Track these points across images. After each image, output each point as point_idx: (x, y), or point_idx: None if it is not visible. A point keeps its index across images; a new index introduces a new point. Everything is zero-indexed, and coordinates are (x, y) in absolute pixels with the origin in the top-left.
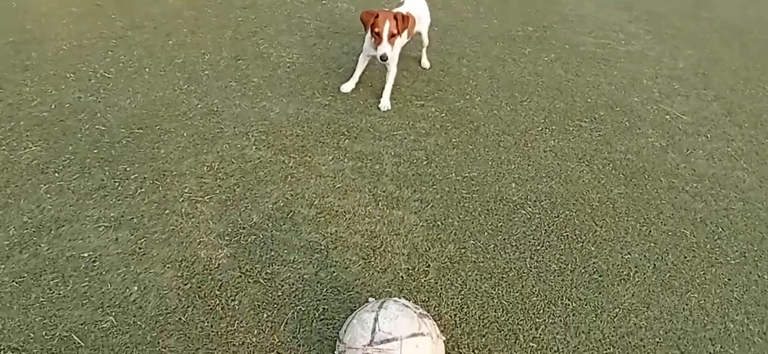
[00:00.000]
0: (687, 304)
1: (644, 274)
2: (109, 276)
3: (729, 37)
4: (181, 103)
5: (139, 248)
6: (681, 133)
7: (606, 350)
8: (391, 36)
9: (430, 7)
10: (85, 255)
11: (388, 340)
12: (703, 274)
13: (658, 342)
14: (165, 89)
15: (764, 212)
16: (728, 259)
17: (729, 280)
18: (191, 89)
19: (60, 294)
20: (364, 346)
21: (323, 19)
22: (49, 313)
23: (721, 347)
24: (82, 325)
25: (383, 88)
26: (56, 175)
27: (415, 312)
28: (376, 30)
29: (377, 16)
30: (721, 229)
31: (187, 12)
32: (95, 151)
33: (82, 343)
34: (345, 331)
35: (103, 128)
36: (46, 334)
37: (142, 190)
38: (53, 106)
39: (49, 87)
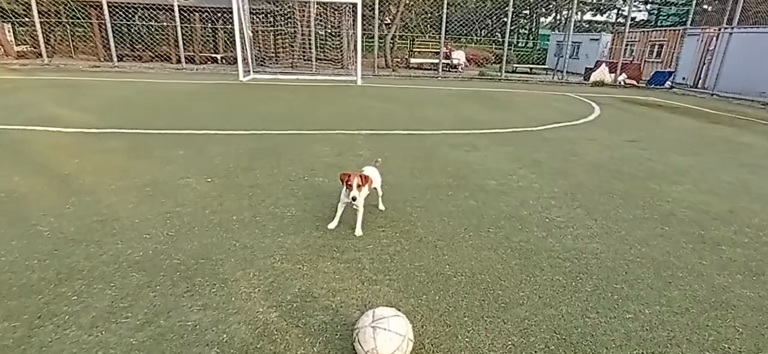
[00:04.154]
0: (562, 313)
1: (533, 302)
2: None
3: (589, 170)
4: (224, 244)
5: (221, 319)
6: (556, 227)
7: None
8: (358, 186)
9: (381, 174)
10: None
11: (381, 319)
12: (570, 297)
13: (542, 334)
14: (211, 238)
15: (609, 263)
16: (586, 289)
17: (586, 299)
18: (229, 236)
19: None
20: (369, 323)
21: (307, 189)
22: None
23: (593, 336)
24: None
25: (356, 222)
26: (158, 288)
27: (395, 309)
28: (349, 183)
29: (350, 176)
30: (582, 275)
31: (212, 193)
32: (178, 273)
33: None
34: (355, 324)
35: (178, 261)
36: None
37: (214, 289)
38: (142, 254)
39: (134, 244)
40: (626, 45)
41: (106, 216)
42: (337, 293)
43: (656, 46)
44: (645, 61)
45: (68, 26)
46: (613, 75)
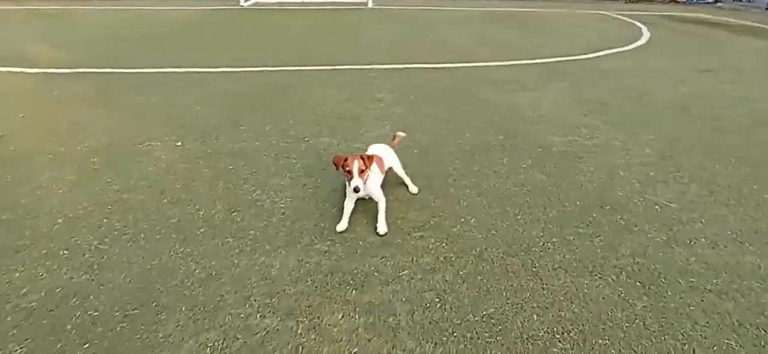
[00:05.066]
0: None
1: None
2: None
3: (676, 117)
4: (178, 269)
5: None
6: (676, 222)
7: None
8: (360, 172)
9: (397, 151)
10: None
11: None
12: None
13: None
14: (161, 255)
15: None
16: None
17: None
18: (188, 252)
19: None
20: None
21: (309, 156)
22: None
23: None
24: None
25: (378, 216)
26: None
27: None
28: (347, 169)
29: (346, 159)
30: (764, 331)
31: (179, 166)
32: (86, 345)
33: None
34: None
35: (95, 313)
36: None
37: None
38: (43, 293)
39: (40, 270)
40: None
41: (23, 210)
42: None
43: None
44: None
45: None
46: None
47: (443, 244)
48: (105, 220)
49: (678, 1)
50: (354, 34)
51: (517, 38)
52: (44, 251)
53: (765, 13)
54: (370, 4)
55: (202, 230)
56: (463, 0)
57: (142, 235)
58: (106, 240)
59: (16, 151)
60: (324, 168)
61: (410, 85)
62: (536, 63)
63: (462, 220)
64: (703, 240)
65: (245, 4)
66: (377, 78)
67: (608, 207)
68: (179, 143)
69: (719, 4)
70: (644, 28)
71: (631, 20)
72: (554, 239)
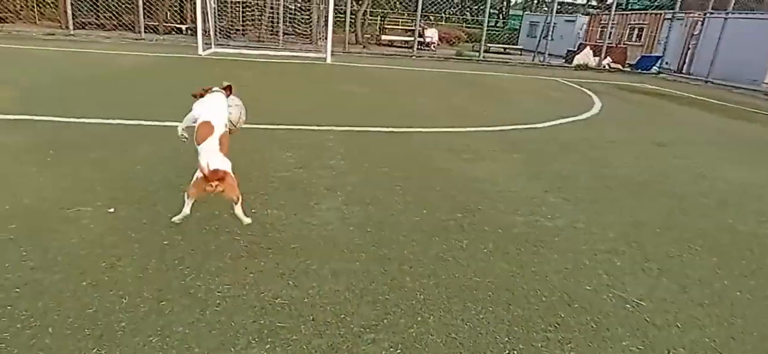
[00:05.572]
0: None
1: None
2: None
3: (637, 195)
4: None
5: None
6: (650, 326)
7: None
8: None
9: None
10: None
11: None
12: None
13: None
14: None
15: None
16: None
17: None
18: None
19: None
20: None
21: (253, 231)
22: None
23: None
24: None
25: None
26: None
27: None
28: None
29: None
30: None
31: (107, 238)
32: None
33: None
34: None
35: None
36: None
37: None
38: None
39: None
40: (605, 27)
41: None
42: None
43: (636, 30)
44: (625, 44)
45: None
46: (597, 58)
47: (398, 351)
48: (9, 307)
49: (622, 70)
50: (312, 91)
51: (474, 103)
52: None
53: (705, 86)
54: (329, 60)
55: (122, 324)
56: (419, 61)
57: (50, 329)
58: (6, 335)
59: None
60: (269, 247)
61: (366, 151)
62: (493, 130)
63: (419, 318)
64: (682, 350)
65: (203, 54)
66: (332, 141)
67: (576, 305)
68: (112, 210)
69: (662, 74)
70: (595, 97)
71: (581, 88)
72: (521, 346)
